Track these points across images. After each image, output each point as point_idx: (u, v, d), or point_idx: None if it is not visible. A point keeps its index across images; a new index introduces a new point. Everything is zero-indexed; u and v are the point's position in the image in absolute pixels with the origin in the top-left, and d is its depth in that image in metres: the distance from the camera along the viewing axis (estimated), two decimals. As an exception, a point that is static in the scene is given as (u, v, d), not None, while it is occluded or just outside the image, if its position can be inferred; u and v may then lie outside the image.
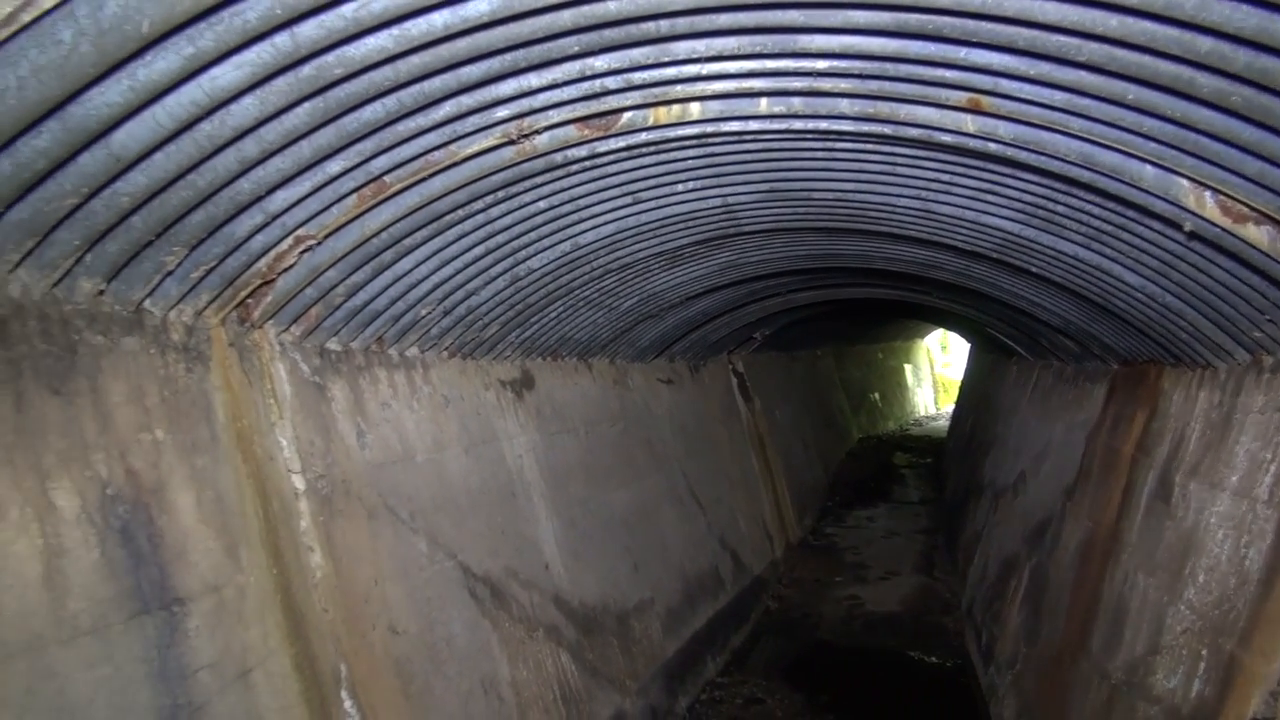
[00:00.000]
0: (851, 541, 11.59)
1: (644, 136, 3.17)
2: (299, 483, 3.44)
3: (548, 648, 4.98)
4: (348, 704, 3.36)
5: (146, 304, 2.84)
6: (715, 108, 3.01)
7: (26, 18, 1.76)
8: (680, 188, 3.82)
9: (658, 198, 3.92)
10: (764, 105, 2.96)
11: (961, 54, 2.38)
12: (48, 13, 1.77)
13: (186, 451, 2.88)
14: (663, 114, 3.00)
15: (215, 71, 2.08)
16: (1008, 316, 7.05)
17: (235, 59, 2.07)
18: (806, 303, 8.95)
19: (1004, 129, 2.75)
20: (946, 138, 2.91)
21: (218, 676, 2.75)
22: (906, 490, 15.13)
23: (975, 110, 2.67)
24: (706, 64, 2.67)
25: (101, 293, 2.64)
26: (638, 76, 2.70)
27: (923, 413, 25.50)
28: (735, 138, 3.25)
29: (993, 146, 2.88)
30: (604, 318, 6.03)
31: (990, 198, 3.50)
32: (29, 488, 2.28)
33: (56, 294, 2.53)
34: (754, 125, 3.11)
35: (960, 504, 10.89)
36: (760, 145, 3.35)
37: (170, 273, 2.77)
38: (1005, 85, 2.50)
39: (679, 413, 8.78)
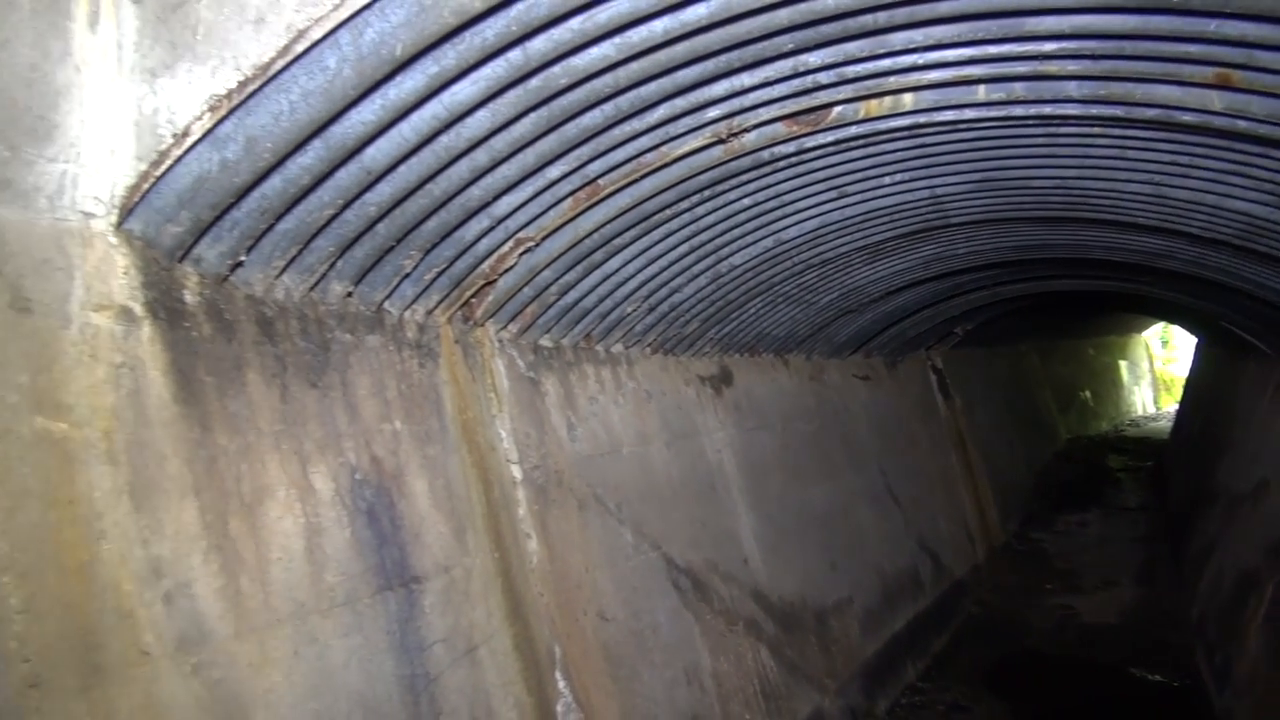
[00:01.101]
0: (1061, 547, 10.94)
1: (853, 130, 3.13)
2: (517, 472, 3.63)
3: (747, 641, 5.00)
4: (561, 684, 3.52)
5: (386, 305, 3.08)
6: (929, 98, 2.94)
7: (299, 48, 1.96)
8: (887, 180, 3.74)
9: (863, 191, 3.86)
10: (981, 93, 2.86)
11: (1210, 26, 2.21)
12: (317, 43, 1.96)
13: (420, 441, 3.10)
14: (874, 106, 2.96)
15: (455, 88, 2.23)
16: (1247, 309, 6.45)
17: (473, 75, 2.21)
18: (1012, 296, 8.53)
19: (1257, 105, 2.53)
20: (1188, 117, 2.71)
21: (449, 651, 2.95)
22: (1122, 495, 14.11)
23: (1224, 86, 2.48)
24: (923, 53, 2.61)
25: (350, 294, 2.89)
26: (851, 70, 2.68)
27: (1140, 412, 23.69)
28: (948, 127, 3.15)
29: (1242, 124, 2.66)
30: (802, 313, 5.98)
31: (1235, 180, 3.23)
32: (294, 471, 2.53)
33: (313, 296, 2.78)
34: (969, 114, 3.01)
35: (1186, 511, 10.05)
36: (974, 134, 3.23)
37: (407, 275, 2.99)
38: (1261, 57, 2.31)
39: (876, 410, 8.58)
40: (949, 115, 3.03)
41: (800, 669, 5.47)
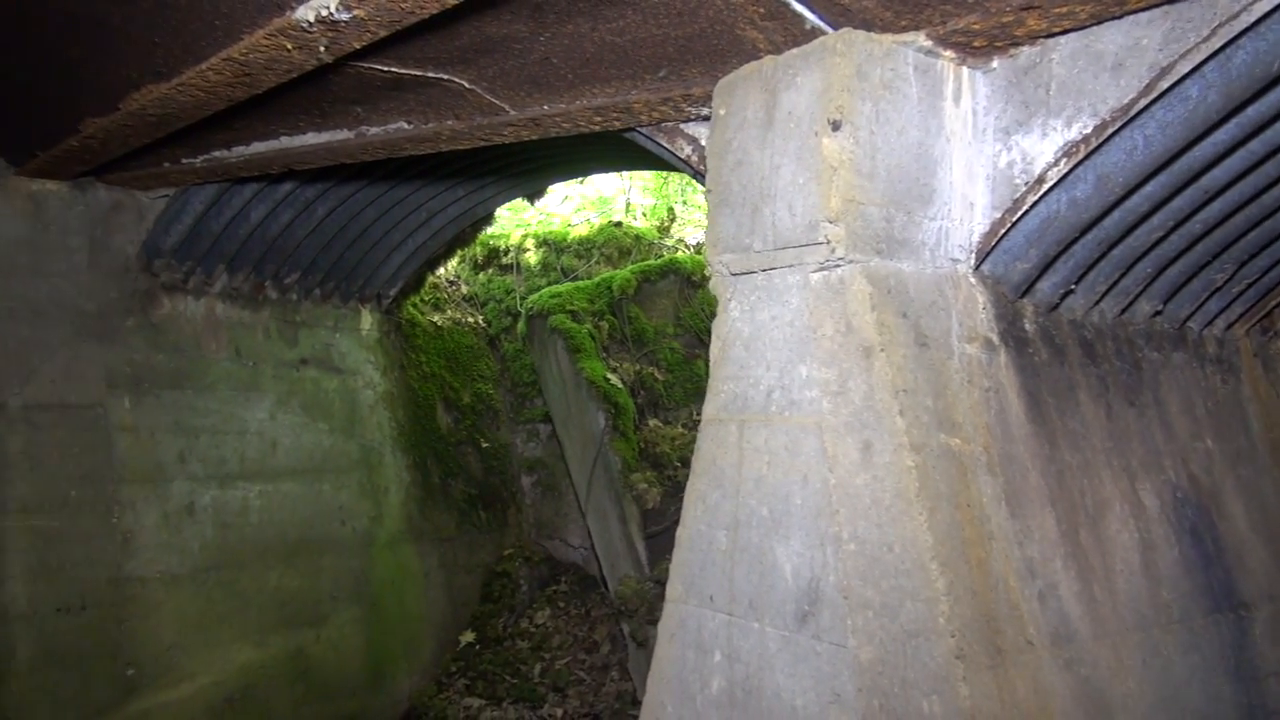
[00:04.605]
0: None
1: None
2: (1334, 498, 3.26)
3: None
4: None
5: (1189, 322, 3.03)
6: None
7: (1162, 85, 2.07)
8: None
9: None
10: None
11: None
12: (1183, 78, 2.05)
13: (1231, 461, 2.98)
14: None
15: (1322, 91, 2.13)
16: None
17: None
18: None
19: None
20: None
21: (1283, 686, 2.78)
22: None
23: None
24: None
25: (1157, 314, 2.91)
26: None
27: None
28: None
29: None
30: None
31: None
32: (1124, 487, 2.63)
33: (1122, 318, 2.87)
34: None
35: None
36: None
37: (1216, 290, 2.91)
38: None
39: None
40: None
41: None
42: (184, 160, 4.38)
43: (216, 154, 4.26)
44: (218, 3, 2.46)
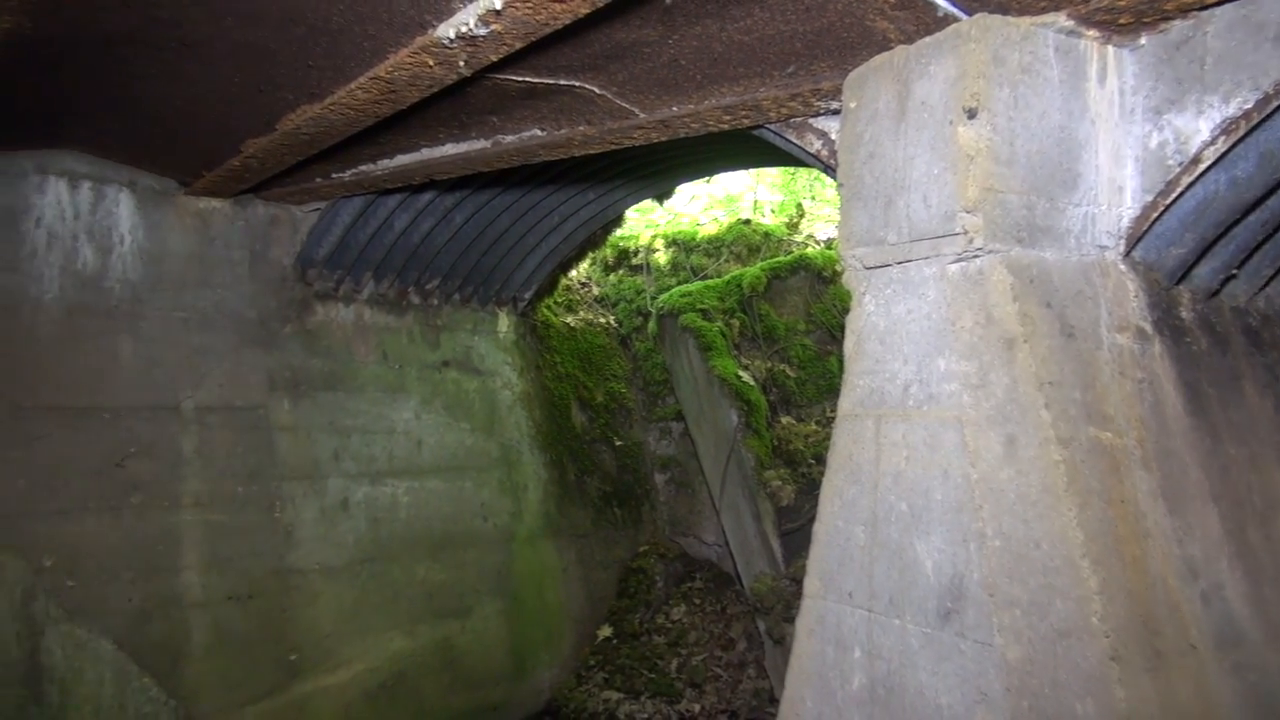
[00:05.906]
0: None
1: None
2: None
3: None
4: None
5: (1369, 304, 2.82)
6: None
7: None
8: None
9: None
10: None
11: None
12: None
13: None
14: None
15: None
16: None
17: None
18: None
19: None
20: None
21: None
22: None
23: None
24: None
25: (1332, 297, 2.72)
26: None
27: None
28: None
29: None
30: None
31: None
32: None
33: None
34: None
35: None
36: None
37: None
38: None
39: None
40: None
41: None
42: (334, 175, 4.63)
43: (363, 168, 4.49)
44: (365, 25, 2.60)
